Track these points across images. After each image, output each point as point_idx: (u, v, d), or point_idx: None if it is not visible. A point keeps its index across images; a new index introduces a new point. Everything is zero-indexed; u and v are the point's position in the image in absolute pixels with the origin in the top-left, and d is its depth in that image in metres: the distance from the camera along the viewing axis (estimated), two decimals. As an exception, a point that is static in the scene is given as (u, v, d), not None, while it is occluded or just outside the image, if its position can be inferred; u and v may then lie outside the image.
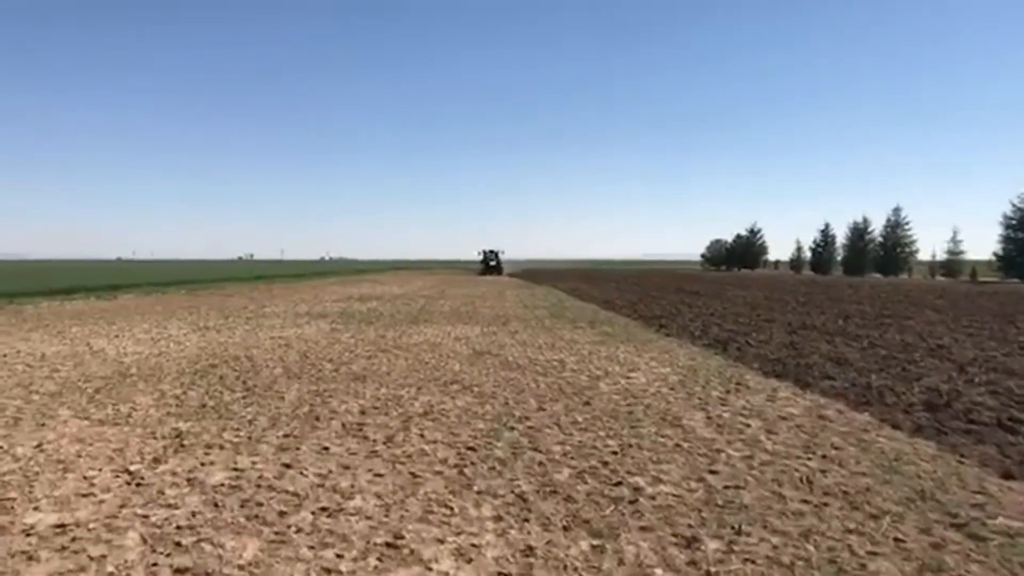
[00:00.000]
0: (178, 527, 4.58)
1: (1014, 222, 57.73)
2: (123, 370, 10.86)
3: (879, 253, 74.70)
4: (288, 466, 5.90)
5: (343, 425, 7.35)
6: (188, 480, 5.54)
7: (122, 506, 4.97)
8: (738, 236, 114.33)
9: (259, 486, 5.39)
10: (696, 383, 9.82)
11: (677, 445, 6.55)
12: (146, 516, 4.78)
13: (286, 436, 6.91)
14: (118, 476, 5.64)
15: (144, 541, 4.37)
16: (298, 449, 6.41)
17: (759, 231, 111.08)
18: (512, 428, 7.22)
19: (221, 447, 6.51)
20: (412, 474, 5.70)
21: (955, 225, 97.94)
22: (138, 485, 5.42)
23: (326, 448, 6.45)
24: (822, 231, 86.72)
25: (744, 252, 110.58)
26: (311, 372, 10.76)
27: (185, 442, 6.68)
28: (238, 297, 31.14)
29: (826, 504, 4.99)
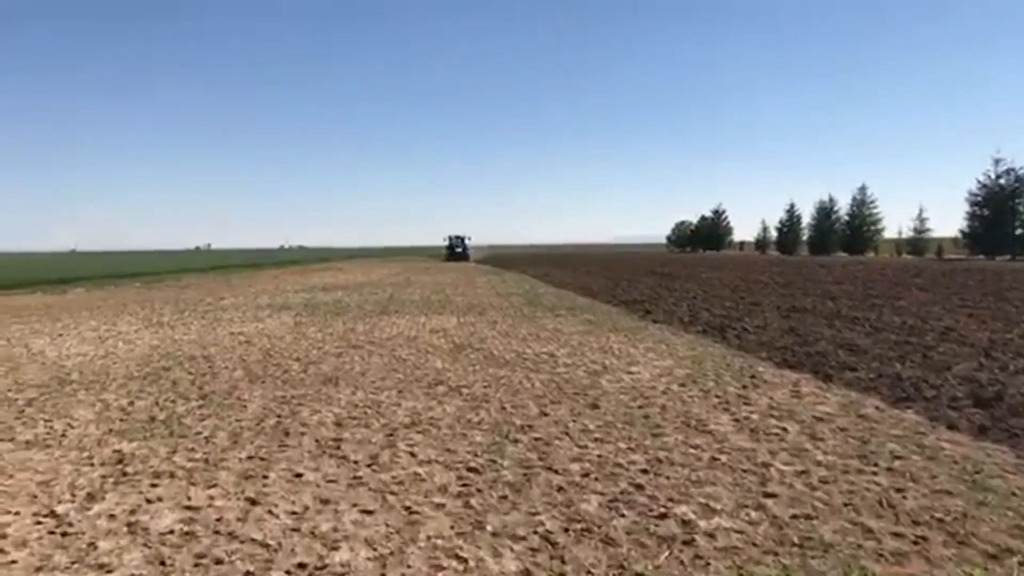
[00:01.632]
0: (110, 602, 3.50)
1: (979, 199, 57.78)
2: (63, 376, 9.63)
3: (845, 232, 74.49)
4: (254, 502, 4.81)
5: (317, 442, 6.27)
6: (128, 526, 4.43)
7: (38, 570, 3.86)
8: (703, 218, 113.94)
9: (218, 532, 4.30)
10: (706, 377, 8.89)
11: (714, 459, 5.58)
12: (69, 585, 3.69)
13: (250, 458, 5.81)
14: (40, 523, 4.51)
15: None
16: (265, 477, 5.32)
17: (724, 212, 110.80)
18: (516, 440, 6.20)
19: (172, 475, 5.40)
20: (407, 509, 4.65)
21: (921, 203, 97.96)
22: (64, 535, 4.31)
23: (299, 475, 5.37)
24: (788, 211, 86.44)
25: (709, 234, 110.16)
26: (276, 374, 9.63)
27: (128, 469, 5.56)
28: (195, 289, 29.67)
29: (925, 538, 4.04)
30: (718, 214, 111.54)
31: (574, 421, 6.84)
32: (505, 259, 70.79)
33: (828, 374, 8.87)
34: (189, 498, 4.90)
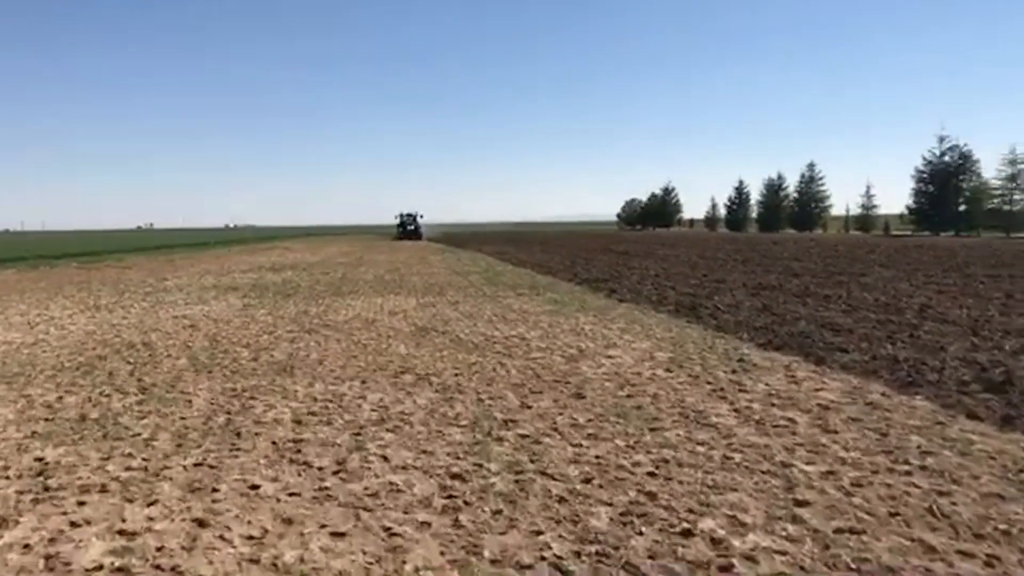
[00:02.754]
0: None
1: (925, 176, 58.81)
2: (-17, 368, 8.66)
3: (793, 209, 75.41)
4: (202, 523, 4.05)
5: (274, 444, 5.51)
6: (46, 560, 3.65)
7: (-72, 628, 3.08)
8: (652, 195, 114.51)
9: (158, 568, 3.55)
10: (692, 361, 8.32)
11: (726, 458, 4.98)
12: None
13: (197, 465, 5.04)
14: (-64, 557, 3.70)
15: None
16: (215, 491, 4.55)
17: (673, 190, 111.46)
18: (500, 439, 5.53)
19: (104, 490, 4.60)
20: (386, 530, 3.94)
21: (868, 180, 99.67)
22: (-35, 575, 3.51)
23: (255, 487, 4.61)
24: (737, 188, 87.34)
25: (659, 211, 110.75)
26: (224, 363, 8.79)
27: (51, 483, 4.75)
28: (136, 270, 28.28)
29: (998, 558, 3.49)
30: (667, 192, 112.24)
31: (561, 414, 6.19)
32: (458, 237, 69.91)
33: (819, 356, 8.37)
34: (123, 520, 4.12)
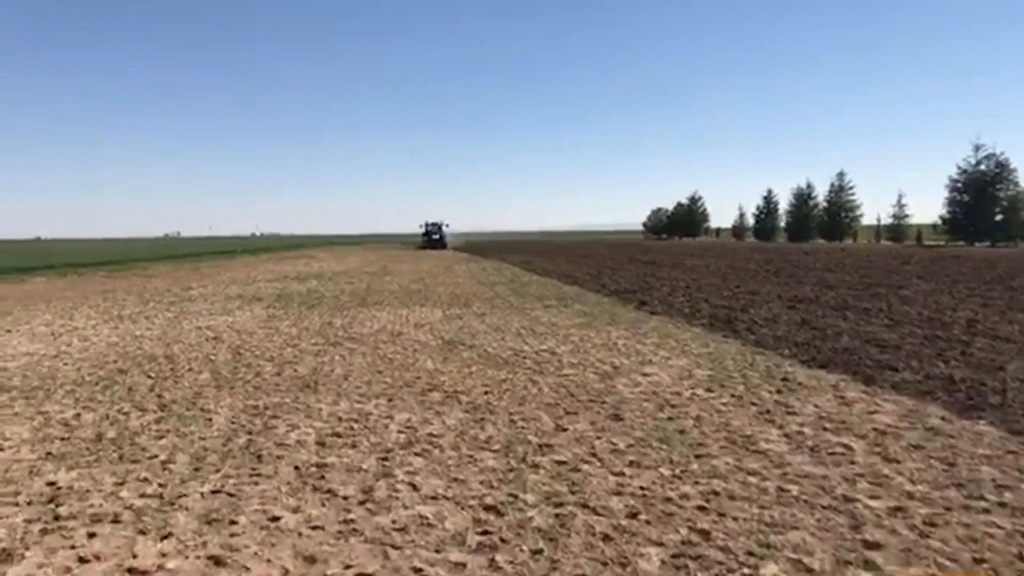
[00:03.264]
0: None
1: (959, 185, 57.73)
2: (2, 382, 8.45)
3: (823, 218, 74.38)
4: (218, 562, 3.75)
5: (296, 469, 5.21)
6: (49, 603, 3.36)
7: None
8: (679, 205, 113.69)
9: (168, 614, 3.24)
10: (733, 380, 7.93)
11: (782, 490, 4.60)
12: None
13: (215, 492, 4.75)
14: (-68, 598, 3.42)
15: None
16: (233, 523, 4.25)
17: (700, 199, 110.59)
18: (536, 466, 5.18)
19: (116, 520, 4.32)
20: (417, 572, 3.62)
21: (900, 189, 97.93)
22: (-39, 619, 3.22)
23: (276, 519, 4.31)
24: (765, 197, 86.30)
25: (685, 221, 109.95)
26: (247, 377, 8.53)
27: (63, 511, 4.48)
28: (161, 278, 28.27)
29: (1105, 616, 3.09)
30: (694, 201, 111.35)
31: (599, 438, 5.84)
32: (481, 247, 69.65)
33: (868, 375, 7.95)
34: (135, 555, 3.83)
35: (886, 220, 67.75)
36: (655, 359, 9.29)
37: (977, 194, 56.26)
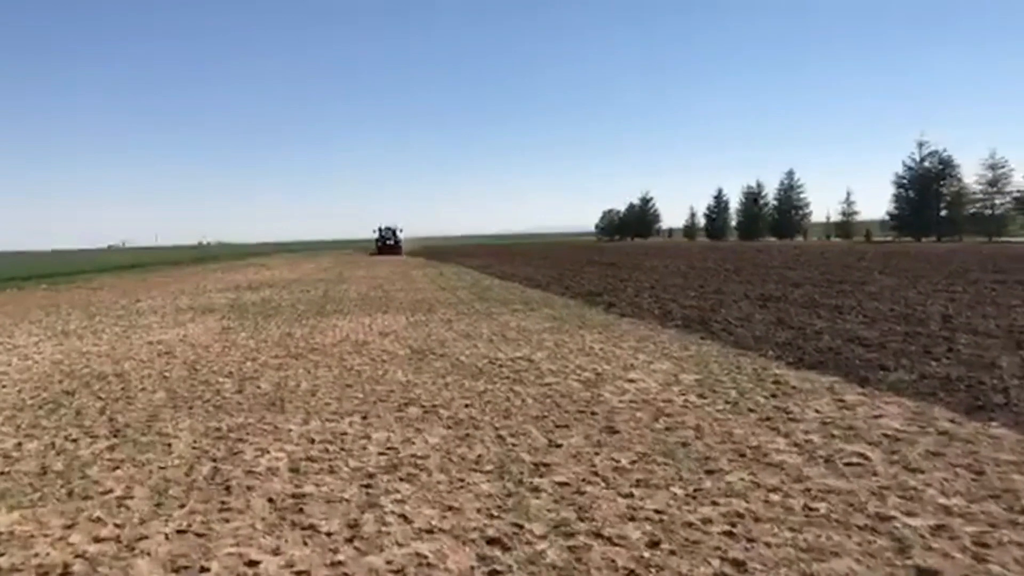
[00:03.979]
0: None
1: (905, 181, 58.92)
2: (-66, 408, 7.73)
3: (774, 217, 75.40)
4: (189, 621, 3.23)
5: (270, 501, 4.69)
6: None
7: None
8: (631, 206, 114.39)
9: None
10: (723, 384, 7.59)
11: (809, 509, 4.23)
12: None
13: (180, 533, 4.21)
14: None
15: None
16: (205, 571, 3.73)
17: (651, 200, 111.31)
18: (536, 488, 4.74)
19: (67, 573, 3.76)
20: (424, 625, 3.15)
21: (848, 187, 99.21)
22: None
23: (253, 563, 3.80)
24: (716, 197, 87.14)
25: (638, 221, 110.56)
26: (206, 395, 7.95)
27: (1, 562, 3.90)
28: (107, 290, 27.17)
29: None
30: (645, 202, 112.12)
31: (597, 453, 5.43)
32: (436, 251, 69.06)
33: (862, 376, 7.68)
34: (90, 617, 3.29)
35: (835, 217, 68.80)
36: (636, 363, 8.92)
37: (922, 190, 57.49)
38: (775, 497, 4.43)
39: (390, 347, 10.94)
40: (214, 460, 5.61)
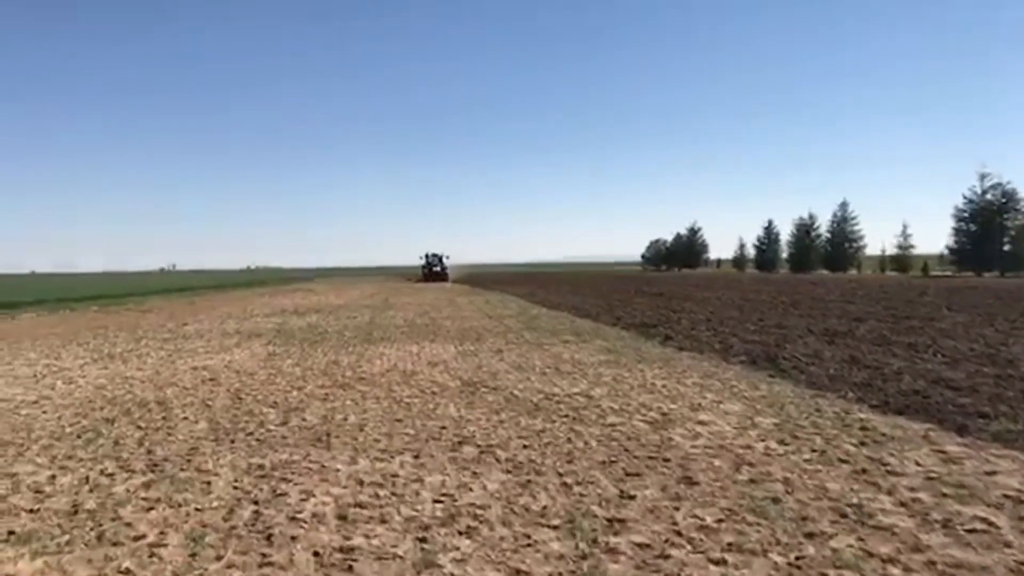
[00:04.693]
0: None
1: (966, 215, 57.18)
2: (-29, 434, 7.44)
3: (826, 249, 73.77)
4: None
5: (316, 556, 4.21)
6: None
7: None
8: (678, 235, 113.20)
9: None
10: (804, 430, 6.95)
11: (940, 589, 3.60)
12: None
13: (216, 593, 3.74)
14: None
15: None
16: (240, 644, 3.25)
17: (699, 230, 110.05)
18: (613, 550, 4.19)
19: (86, 636, 3.31)
20: None
21: (904, 219, 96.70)
22: None
23: (296, 636, 3.30)
24: (766, 228, 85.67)
25: (685, 252, 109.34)
26: (249, 427, 7.54)
27: (19, 620, 3.47)
28: (156, 313, 27.27)
29: None
30: (693, 232, 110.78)
31: (677, 508, 4.85)
32: (479, 278, 68.80)
33: (959, 423, 6.98)
34: None
35: (891, 250, 67.01)
36: (705, 403, 8.32)
37: (984, 224, 55.66)
38: (895, 572, 3.82)
39: (439, 378, 10.47)
40: (255, 502, 5.16)
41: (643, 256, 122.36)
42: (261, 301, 34.83)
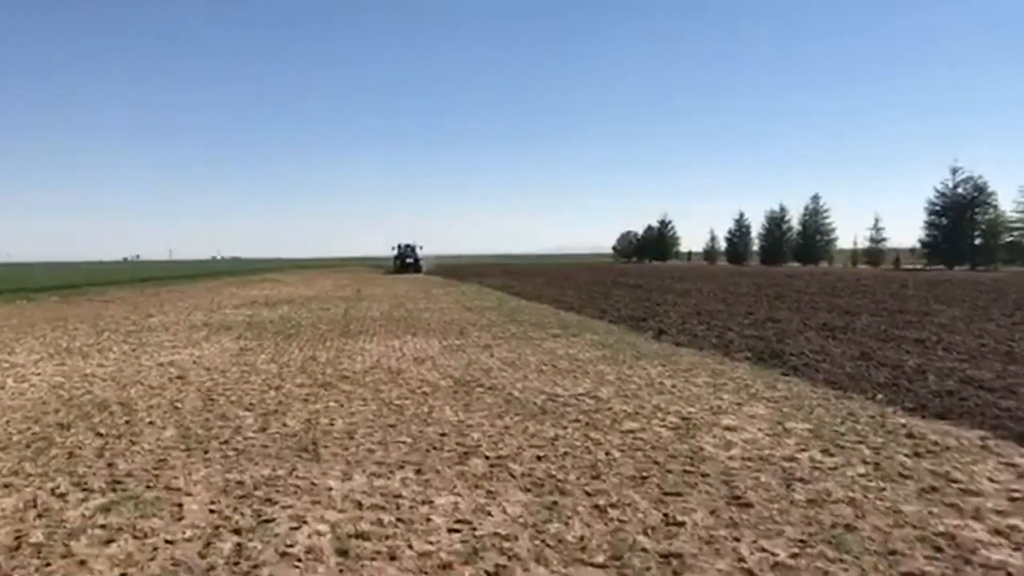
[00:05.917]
0: None
1: (938, 208, 57.46)
2: (-97, 444, 6.52)
3: (798, 242, 73.96)
4: None
5: (318, 608, 3.42)
6: None
7: None
8: (649, 228, 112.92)
9: None
10: (844, 438, 6.29)
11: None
12: None
13: (193, 663, 2.94)
14: None
15: None
16: None
17: (670, 222, 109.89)
18: (679, 597, 3.45)
19: None
20: None
21: (876, 212, 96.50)
22: None
23: None
24: (737, 220, 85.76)
25: (656, 244, 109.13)
26: (223, 435, 6.71)
27: None
28: (118, 304, 26.06)
29: None
30: (664, 224, 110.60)
31: (738, 539, 4.13)
32: (451, 270, 67.78)
33: (1017, 432, 6.35)
34: None
35: (862, 243, 67.27)
36: (724, 405, 7.64)
37: (956, 218, 55.98)
38: (1034, 628, 3.13)
39: (429, 376, 9.69)
40: (237, 531, 4.36)
41: (614, 248, 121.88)
42: (229, 292, 33.66)
